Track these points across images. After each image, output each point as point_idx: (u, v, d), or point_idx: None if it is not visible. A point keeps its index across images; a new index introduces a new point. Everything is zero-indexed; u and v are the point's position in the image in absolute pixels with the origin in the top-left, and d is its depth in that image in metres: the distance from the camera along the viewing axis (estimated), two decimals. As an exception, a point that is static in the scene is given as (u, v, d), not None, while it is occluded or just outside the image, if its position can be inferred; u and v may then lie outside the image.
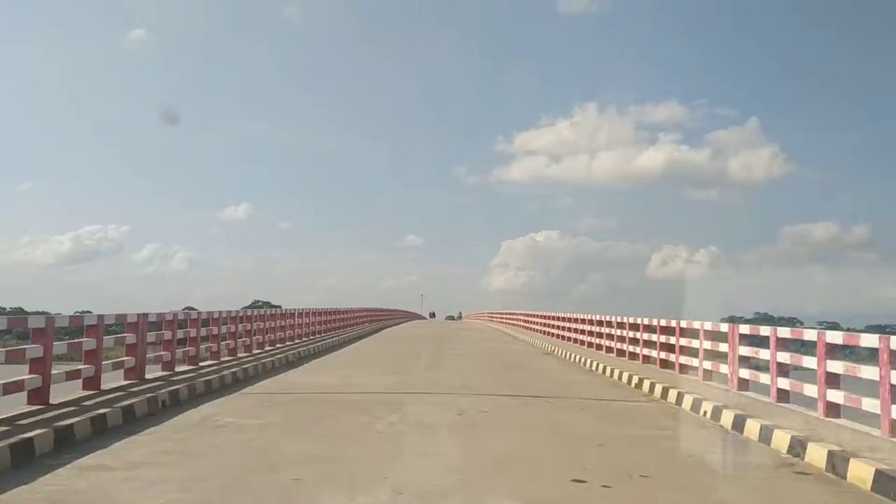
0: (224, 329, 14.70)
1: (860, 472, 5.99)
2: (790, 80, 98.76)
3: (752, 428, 8.05)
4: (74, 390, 9.40)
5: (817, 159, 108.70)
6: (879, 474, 5.79)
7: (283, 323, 19.87)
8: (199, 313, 13.88)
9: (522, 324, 36.24)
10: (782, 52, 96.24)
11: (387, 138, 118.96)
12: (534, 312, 33.55)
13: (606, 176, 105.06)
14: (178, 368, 12.18)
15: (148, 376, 11.04)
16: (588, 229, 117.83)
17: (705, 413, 9.40)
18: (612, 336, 18.18)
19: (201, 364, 13.08)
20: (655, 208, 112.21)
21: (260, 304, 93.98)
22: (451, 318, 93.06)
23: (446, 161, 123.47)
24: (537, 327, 31.26)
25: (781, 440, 7.35)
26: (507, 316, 45.37)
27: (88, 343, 9.53)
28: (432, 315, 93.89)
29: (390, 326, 41.82)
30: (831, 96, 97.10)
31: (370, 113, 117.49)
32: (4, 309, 54.61)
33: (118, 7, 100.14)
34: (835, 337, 8.47)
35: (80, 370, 9.39)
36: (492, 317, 56.52)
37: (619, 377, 13.66)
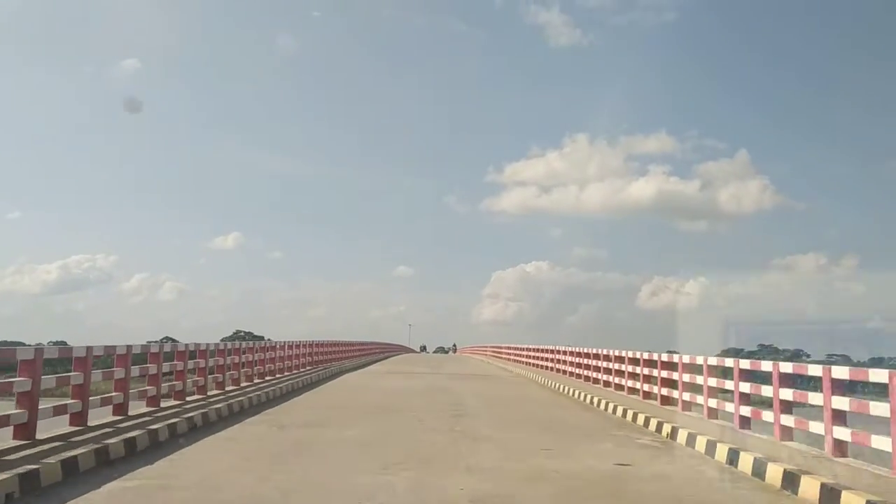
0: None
1: None
2: (780, 113, 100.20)
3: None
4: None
5: (806, 191, 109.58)
6: None
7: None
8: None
9: (570, 368, 22.68)
10: (773, 86, 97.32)
11: (378, 168, 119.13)
12: (595, 351, 19.50)
13: (596, 206, 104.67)
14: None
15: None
16: (578, 260, 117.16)
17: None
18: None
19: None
20: (645, 239, 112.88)
21: (242, 334, 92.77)
22: (441, 350, 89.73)
23: (437, 191, 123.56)
24: (613, 377, 17.41)
25: None
26: (533, 354, 30.28)
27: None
28: (423, 349, 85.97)
29: (356, 369, 29.10)
30: (821, 129, 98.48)
31: (361, 142, 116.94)
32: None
33: (111, 36, 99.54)
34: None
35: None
36: (498, 352, 43.62)
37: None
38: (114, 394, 10.32)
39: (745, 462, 8.47)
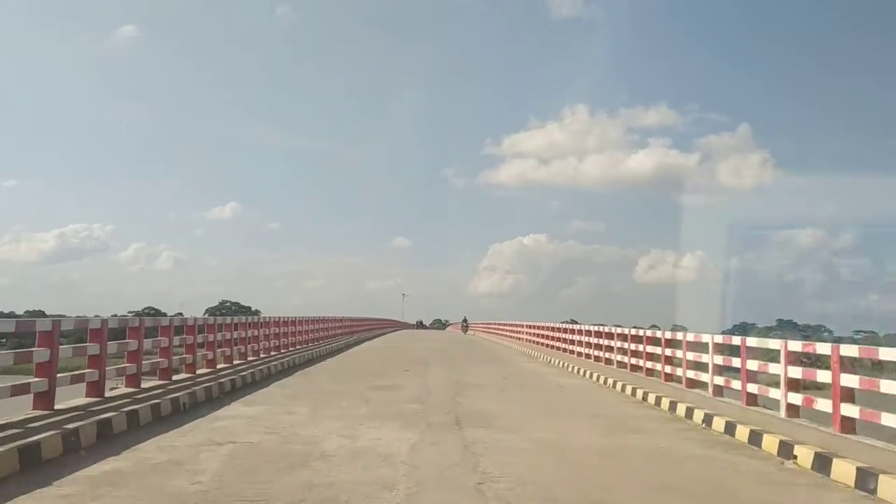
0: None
1: None
2: (782, 88, 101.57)
3: None
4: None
5: (807, 166, 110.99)
6: None
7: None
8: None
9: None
10: (775, 59, 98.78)
11: (376, 140, 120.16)
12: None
13: (595, 179, 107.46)
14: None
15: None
16: (576, 232, 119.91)
17: None
18: None
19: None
20: (644, 212, 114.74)
21: (229, 304, 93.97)
22: (439, 324, 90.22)
23: (435, 163, 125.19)
24: None
25: None
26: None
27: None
28: (420, 325, 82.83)
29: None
30: (823, 104, 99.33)
31: (359, 114, 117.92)
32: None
33: (108, 2, 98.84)
34: None
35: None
36: (550, 339, 26.90)
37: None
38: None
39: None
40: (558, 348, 25.20)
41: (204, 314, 75.80)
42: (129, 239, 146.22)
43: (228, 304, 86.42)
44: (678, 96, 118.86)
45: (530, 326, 32.85)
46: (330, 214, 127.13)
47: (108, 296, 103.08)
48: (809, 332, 46.50)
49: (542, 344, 28.43)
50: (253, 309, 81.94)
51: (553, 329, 27.23)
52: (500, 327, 43.71)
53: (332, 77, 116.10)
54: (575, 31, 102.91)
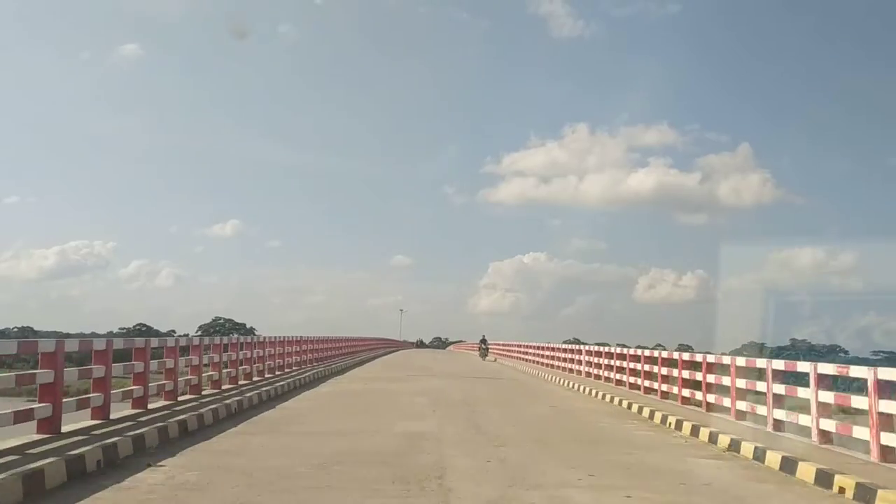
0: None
1: None
2: (781, 108, 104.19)
3: None
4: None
5: (806, 186, 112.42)
6: None
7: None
8: None
9: None
10: (775, 80, 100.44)
11: (376, 157, 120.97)
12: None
13: (596, 198, 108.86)
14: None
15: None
16: (576, 251, 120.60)
17: None
18: None
19: None
20: (644, 231, 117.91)
21: (222, 320, 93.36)
22: (438, 342, 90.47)
23: (435, 180, 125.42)
24: None
25: None
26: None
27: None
28: (420, 344, 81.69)
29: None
30: (822, 124, 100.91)
31: (359, 131, 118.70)
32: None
33: (110, 20, 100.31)
34: None
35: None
36: (640, 375, 16.85)
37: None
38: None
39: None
40: (692, 401, 14.05)
41: (197, 331, 76.38)
42: (130, 255, 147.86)
43: (221, 320, 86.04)
44: (679, 116, 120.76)
45: (595, 353, 21.95)
46: (330, 231, 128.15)
47: (105, 313, 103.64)
48: (824, 353, 46.08)
49: (638, 387, 17.11)
50: (248, 326, 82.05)
51: (682, 362, 14.81)
52: (528, 350, 31.43)
53: (332, 94, 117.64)
54: (575, 50, 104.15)
